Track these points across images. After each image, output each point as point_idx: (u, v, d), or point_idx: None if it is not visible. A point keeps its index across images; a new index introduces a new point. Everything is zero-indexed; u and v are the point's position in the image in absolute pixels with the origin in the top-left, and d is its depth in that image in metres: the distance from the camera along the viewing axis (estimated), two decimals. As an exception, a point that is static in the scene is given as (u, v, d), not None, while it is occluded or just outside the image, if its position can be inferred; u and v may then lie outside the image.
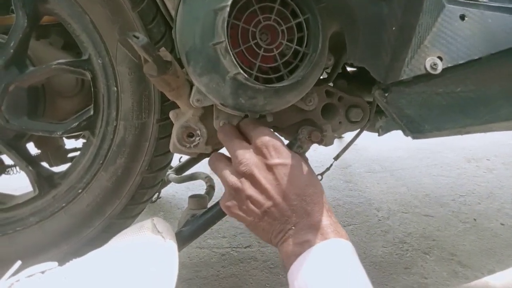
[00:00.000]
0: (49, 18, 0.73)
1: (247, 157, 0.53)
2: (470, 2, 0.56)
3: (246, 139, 0.58)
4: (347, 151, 0.80)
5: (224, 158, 0.59)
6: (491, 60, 0.57)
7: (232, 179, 0.54)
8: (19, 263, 0.59)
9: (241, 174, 0.53)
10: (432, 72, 0.55)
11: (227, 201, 0.56)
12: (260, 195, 0.52)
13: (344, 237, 0.50)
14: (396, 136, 0.77)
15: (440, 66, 0.55)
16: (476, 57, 0.56)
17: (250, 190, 0.53)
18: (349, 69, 0.82)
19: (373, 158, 1.96)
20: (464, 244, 1.16)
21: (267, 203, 0.51)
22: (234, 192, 0.54)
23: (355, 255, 0.49)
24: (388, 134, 0.82)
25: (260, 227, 0.53)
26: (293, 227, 0.50)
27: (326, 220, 0.50)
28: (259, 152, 0.54)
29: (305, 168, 0.54)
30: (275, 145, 0.53)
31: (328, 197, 1.50)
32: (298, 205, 0.51)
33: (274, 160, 0.52)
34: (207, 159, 0.71)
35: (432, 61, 0.55)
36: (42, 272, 0.57)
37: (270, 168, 0.52)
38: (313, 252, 0.48)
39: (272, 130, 0.57)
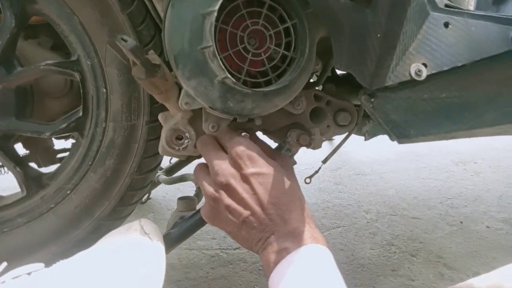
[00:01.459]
0: (37, 18, 0.73)
1: (223, 167, 0.54)
2: (454, 10, 0.58)
3: (224, 149, 0.58)
4: (337, 154, 0.81)
5: (205, 168, 0.59)
6: (475, 67, 0.59)
7: (210, 189, 0.55)
8: (4, 264, 0.59)
9: (218, 185, 0.54)
10: (417, 78, 0.56)
11: (206, 211, 0.58)
12: (238, 205, 0.53)
13: (321, 242, 0.51)
14: (385, 140, 0.78)
15: (424, 73, 0.56)
16: (460, 64, 0.58)
17: (227, 200, 0.53)
18: (339, 72, 0.83)
19: (362, 160, 1.97)
20: (450, 247, 1.18)
21: (245, 213, 0.52)
22: (212, 202, 0.55)
23: (331, 260, 0.50)
24: (377, 137, 0.83)
25: (240, 235, 0.54)
26: (271, 236, 0.51)
27: (303, 227, 0.51)
28: (234, 162, 0.54)
29: (281, 176, 0.54)
30: (249, 155, 0.54)
31: (318, 199, 1.51)
32: (275, 214, 0.51)
33: (249, 169, 0.53)
34: (197, 161, 0.72)
35: (416, 67, 0.56)
36: (29, 274, 0.57)
37: (246, 177, 0.53)
38: (290, 259, 0.48)
39: (248, 138, 0.58)
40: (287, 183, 0.54)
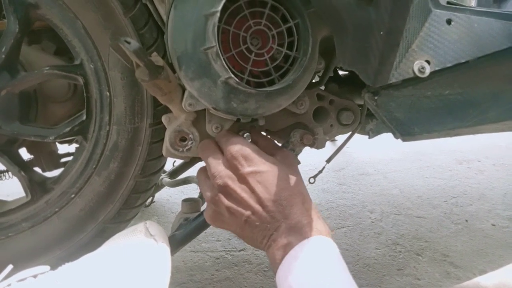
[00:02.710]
0: (41, 23, 0.73)
1: (219, 169, 0.54)
2: (457, 7, 0.58)
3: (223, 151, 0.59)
4: (340, 154, 0.81)
5: (205, 172, 0.60)
6: (478, 64, 0.58)
7: (210, 192, 0.56)
8: (10, 267, 0.59)
9: (216, 188, 0.54)
10: (420, 75, 0.56)
11: (209, 213, 0.58)
12: (238, 206, 0.53)
13: (325, 233, 0.51)
14: (388, 139, 0.78)
15: (428, 70, 0.56)
16: (463, 61, 0.58)
17: (227, 202, 0.54)
18: (341, 72, 0.83)
19: (365, 161, 1.97)
20: (456, 245, 1.17)
21: (246, 213, 0.52)
22: (213, 205, 0.56)
23: (335, 250, 0.50)
24: (381, 136, 0.83)
25: (245, 235, 0.55)
26: (274, 232, 0.51)
27: (305, 220, 0.51)
28: (230, 163, 0.54)
29: (280, 171, 0.54)
30: (245, 154, 0.54)
31: (322, 199, 1.50)
32: (276, 210, 0.51)
33: (246, 169, 0.53)
34: (200, 163, 0.72)
35: (420, 64, 0.56)
36: (34, 276, 0.57)
37: (243, 177, 0.53)
38: (294, 254, 0.48)
39: (244, 138, 0.58)
40: (286, 178, 0.54)
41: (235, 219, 0.54)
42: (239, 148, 0.54)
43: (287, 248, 0.49)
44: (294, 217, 0.51)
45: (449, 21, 0.56)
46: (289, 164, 0.58)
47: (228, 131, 0.62)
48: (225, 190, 0.54)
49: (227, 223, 0.56)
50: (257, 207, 0.52)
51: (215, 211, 0.56)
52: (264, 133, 0.72)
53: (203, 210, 0.71)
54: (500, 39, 0.57)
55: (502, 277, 1.01)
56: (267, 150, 0.58)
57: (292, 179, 0.54)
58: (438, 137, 0.66)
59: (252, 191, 0.52)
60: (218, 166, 0.55)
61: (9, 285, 0.54)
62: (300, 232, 0.50)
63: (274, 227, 0.51)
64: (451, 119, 0.61)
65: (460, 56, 0.57)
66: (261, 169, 0.53)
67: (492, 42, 0.57)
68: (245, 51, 0.54)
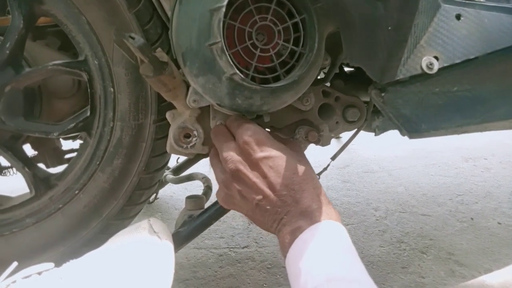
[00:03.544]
0: (45, 19, 0.73)
1: (231, 154, 0.55)
2: (466, 1, 0.56)
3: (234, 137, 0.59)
4: (344, 152, 0.80)
5: (217, 155, 0.60)
6: (488, 60, 0.57)
7: (221, 176, 0.57)
8: (15, 264, 0.59)
9: (228, 172, 0.55)
10: (428, 71, 0.55)
11: (221, 196, 0.59)
12: (249, 190, 0.53)
13: (334, 218, 0.51)
14: (394, 136, 0.77)
15: (436, 66, 0.55)
16: (473, 57, 0.57)
17: (238, 186, 0.54)
18: (346, 69, 0.82)
19: (370, 158, 1.96)
20: (461, 243, 1.16)
21: (257, 197, 0.53)
22: (225, 188, 0.57)
23: (345, 234, 0.50)
24: (386, 133, 0.82)
25: (256, 218, 0.55)
26: (284, 216, 0.51)
27: (315, 205, 0.51)
28: (243, 148, 0.55)
29: (291, 157, 0.54)
30: (258, 139, 0.54)
31: (326, 197, 1.50)
32: (287, 195, 0.51)
33: (258, 154, 0.53)
34: (204, 159, 0.71)
35: (428, 60, 0.55)
36: (39, 273, 0.57)
37: (255, 162, 0.53)
38: (303, 238, 0.49)
39: (256, 124, 0.57)
40: (297, 163, 0.54)
41: (246, 203, 0.55)
42: (252, 133, 0.54)
43: (297, 232, 0.49)
44: (305, 202, 0.51)
45: (458, 16, 0.55)
46: (298, 151, 0.58)
47: (238, 116, 0.62)
48: (237, 175, 0.54)
49: (239, 206, 0.57)
50: (268, 191, 0.52)
51: (227, 194, 0.57)
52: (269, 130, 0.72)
53: (207, 207, 0.71)
54: (511, 34, 0.56)
55: (508, 275, 1.00)
56: (276, 139, 0.58)
57: (303, 165, 0.54)
58: (446, 134, 0.65)
59: (264, 176, 0.53)
60: (230, 151, 0.55)
61: (14, 281, 0.54)
62: (310, 216, 0.50)
63: (284, 211, 0.51)
64: (459, 116, 0.60)
65: (469, 52, 0.56)
66: (273, 154, 0.53)
67: (502, 37, 0.56)
68: (250, 47, 0.53)
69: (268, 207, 0.52)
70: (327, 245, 0.48)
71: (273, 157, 0.53)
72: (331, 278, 0.44)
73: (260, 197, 0.52)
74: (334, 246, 0.48)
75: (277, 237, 0.53)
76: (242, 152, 0.55)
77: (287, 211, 0.51)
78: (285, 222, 0.51)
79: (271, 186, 0.52)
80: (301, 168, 0.54)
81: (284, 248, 0.50)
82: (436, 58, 0.55)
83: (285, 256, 0.50)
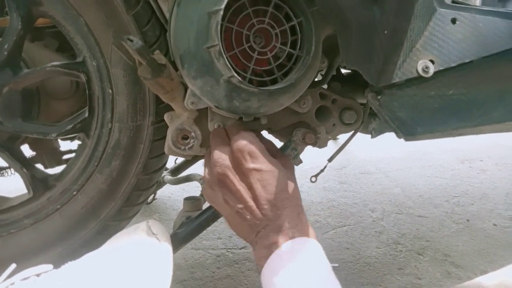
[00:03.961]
0: (43, 20, 0.73)
1: (222, 158, 0.55)
2: (462, 6, 0.57)
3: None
4: (342, 153, 0.81)
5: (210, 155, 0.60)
6: (483, 63, 0.58)
7: (209, 176, 0.58)
8: (13, 266, 0.59)
9: (215, 174, 0.55)
10: (424, 75, 0.55)
11: (206, 192, 0.60)
12: (232, 197, 0.54)
13: (311, 236, 0.52)
14: (391, 138, 0.78)
15: (432, 69, 0.56)
16: (468, 60, 0.57)
17: (221, 190, 0.55)
18: (343, 71, 0.83)
19: (367, 159, 1.97)
20: (457, 245, 1.17)
21: (239, 205, 0.53)
22: (209, 188, 0.58)
23: (320, 251, 0.51)
24: (383, 135, 0.83)
25: (234, 223, 0.56)
26: (262, 230, 0.52)
27: (294, 222, 0.52)
28: (235, 155, 0.55)
29: (281, 173, 0.54)
30: (251, 151, 0.54)
31: (323, 198, 1.50)
32: (269, 209, 0.52)
33: (249, 164, 0.54)
34: (202, 160, 0.72)
35: (424, 64, 0.55)
36: (37, 275, 0.57)
37: (244, 172, 0.54)
38: (279, 253, 0.49)
39: (255, 135, 0.58)
40: (284, 181, 0.54)
41: (227, 207, 0.55)
42: (247, 143, 0.55)
43: (273, 247, 0.50)
44: (284, 218, 0.52)
45: (454, 20, 0.56)
46: (289, 169, 0.59)
47: (240, 123, 0.62)
48: (223, 179, 0.55)
49: (220, 208, 0.58)
50: (251, 202, 0.53)
51: (212, 193, 0.58)
52: (266, 131, 0.72)
53: (205, 209, 0.71)
54: (506, 38, 0.56)
55: (503, 277, 1.01)
56: (270, 152, 0.58)
57: (291, 184, 0.55)
58: (441, 137, 0.66)
59: (250, 187, 0.53)
60: (221, 155, 0.56)
61: (12, 283, 0.55)
62: (287, 233, 0.50)
63: (263, 225, 0.52)
64: (454, 119, 0.61)
65: (465, 55, 0.56)
66: (263, 168, 0.54)
67: (497, 41, 0.57)
68: (248, 50, 0.54)
69: (248, 217, 0.53)
70: (302, 263, 0.48)
71: (263, 170, 0.53)
72: None
73: (241, 205, 0.53)
74: (309, 264, 0.49)
75: (252, 248, 0.54)
76: (233, 158, 0.55)
77: (265, 224, 0.52)
78: (262, 235, 0.52)
79: (255, 198, 0.53)
80: (288, 186, 0.54)
81: (259, 261, 0.51)
82: (432, 61, 0.56)
83: (260, 269, 0.51)
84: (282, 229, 0.51)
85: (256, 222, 0.52)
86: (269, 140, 0.64)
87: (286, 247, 0.49)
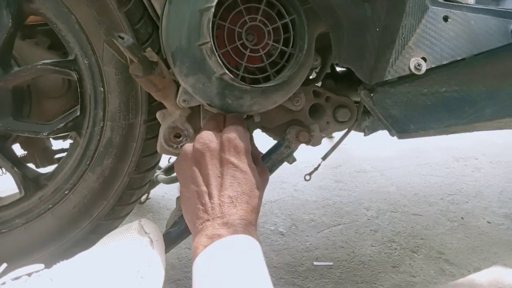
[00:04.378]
0: (35, 17, 0.72)
1: (208, 139, 0.55)
2: (454, 4, 0.57)
3: None
4: (337, 152, 0.81)
5: None
6: (475, 61, 0.58)
7: (186, 148, 0.56)
8: (4, 265, 0.58)
9: (194, 149, 0.55)
10: (416, 72, 0.55)
11: (177, 161, 0.58)
12: (198, 177, 0.54)
13: (255, 238, 0.51)
14: (386, 136, 0.78)
15: (424, 67, 0.56)
16: (460, 58, 0.57)
17: (193, 166, 0.54)
18: (338, 69, 0.83)
19: (363, 157, 1.97)
20: (451, 243, 1.18)
21: (202, 188, 0.53)
22: (182, 159, 0.56)
23: (259, 252, 0.50)
24: (378, 133, 0.83)
25: (186, 204, 0.55)
26: (211, 219, 0.51)
27: (243, 223, 0.51)
28: (221, 142, 0.54)
29: (252, 179, 0.54)
30: (238, 146, 0.54)
31: (318, 197, 1.50)
32: (227, 204, 0.52)
33: (230, 157, 0.53)
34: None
35: (416, 61, 0.55)
36: (29, 275, 0.57)
37: (223, 161, 0.53)
38: (217, 245, 0.49)
39: (249, 135, 0.57)
40: (252, 188, 0.54)
41: (188, 185, 0.55)
42: (238, 136, 0.54)
43: (215, 238, 0.49)
44: (235, 217, 0.51)
45: (446, 18, 0.56)
46: (263, 179, 0.58)
47: (241, 117, 0.61)
48: (199, 157, 0.54)
49: (182, 182, 0.57)
50: (215, 191, 0.52)
51: (183, 165, 0.57)
52: (259, 129, 0.72)
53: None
54: (497, 36, 0.56)
55: (496, 274, 1.01)
56: (252, 157, 0.58)
57: (256, 193, 0.55)
58: (434, 134, 0.66)
59: (220, 176, 0.53)
60: (209, 135, 0.55)
61: (3, 283, 0.54)
62: (233, 229, 0.50)
63: (214, 216, 0.51)
64: (447, 116, 0.61)
65: (457, 53, 0.57)
66: (240, 166, 0.53)
67: (489, 39, 0.57)
68: (240, 47, 0.54)
69: (203, 201, 0.52)
70: (238, 256, 0.48)
71: (239, 168, 0.53)
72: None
73: (204, 189, 0.53)
74: (245, 258, 0.48)
75: (193, 236, 0.53)
76: (218, 143, 0.55)
77: (216, 216, 0.51)
78: (208, 224, 0.51)
79: (219, 188, 0.52)
80: (253, 193, 0.54)
81: (196, 249, 0.50)
82: (424, 59, 0.56)
83: (194, 257, 0.50)
84: (230, 226, 0.50)
85: (209, 210, 0.52)
86: (256, 147, 0.64)
87: (228, 239, 0.49)
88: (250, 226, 0.52)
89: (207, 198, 0.52)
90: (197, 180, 0.54)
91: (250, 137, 0.64)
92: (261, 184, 0.57)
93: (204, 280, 0.47)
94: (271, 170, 0.68)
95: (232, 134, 0.54)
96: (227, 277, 0.46)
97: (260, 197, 0.56)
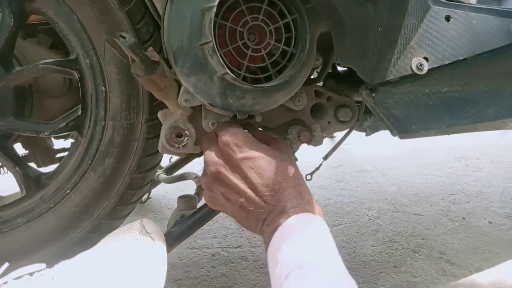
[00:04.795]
0: (36, 17, 0.72)
1: (212, 156, 0.55)
2: (455, 3, 0.57)
3: None
4: (338, 151, 0.81)
5: None
6: (477, 61, 0.58)
7: (204, 179, 0.57)
8: (6, 265, 0.58)
9: (210, 174, 0.56)
10: (418, 72, 0.55)
11: (207, 197, 0.60)
12: (231, 192, 0.54)
13: (315, 212, 0.52)
14: (387, 136, 0.78)
15: (426, 67, 0.55)
16: (462, 58, 0.57)
17: (220, 188, 0.55)
18: (339, 68, 0.82)
19: (364, 157, 1.97)
20: (453, 243, 1.18)
21: (240, 199, 0.53)
22: (208, 190, 0.57)
23: (322, 226, 0.51)
24: (379, 133, 0.83)
25: (241, 219, 0.55)
26: (267, 217, 0.52)
27: (296, 202, 0.51)
28: (223, 150, 0.55)
29: (273, 156, 0.54)
30: (236, 142, 0.54)
31: (319, 196, 1.50)
32: (269, 195, 0.52)
33: (238, 155, 0.53)
34: (197, 159, 0.71)
35: (418, 61, 0.55)
36: (31, 274, 0.57)
37: (236, 163, 0.53)
38: (281, 230, 0.49)
39: (239, 126, 0.58)
40: (278, 163, 0.54)
41: (230, 205, 0.55)
42: (230, 135, 0.55)
43: (277, 228, 0.50)
44: (286, 200, 0.51)
45: (447, 18, 0.56)
46: (282, 150, 0.58)
47: (227, 122, 0.62)
48: (218, 177, 0.55)
49: (224, 207, 0.58)
50: (250, 192, 0.52)
51: (212, 196, 0.58)
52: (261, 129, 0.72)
53: (200, 207, 0.71)
54: (499, 36, 0.56)
55: (498, 274, 1.01)
56: (262, 141, 0.58)
57: (285, 163, 0.54)
58: (436, 134, 0.66)
59: (245, 177, 0.53)
60: (210, 153, 0.56)
61: (5, 282, 0.54)
62: (290, 213, 0.50)
63: (267, 212, 0.52)
64: (449, 116, 0.61)
65: (459, 53, 0.56)
66: (253, 155, 0.53)
67: (490, 39, 0.57)
68: (242, 47, 0.54)
69: (251, 208, 0.52)
70: (303, 235, 0.48)
71: (253, 157, 0.53)
72: (302, 264, 0.45)
73: (242, 199, 0.53)
74: (310, 236, 0.49)
75: (262, 237, 0.53)
76: (222, 154, 0.55)
77: (269, 210, 0.51)
78: (268, 222, 0.51)
79: (252, 187, 0.52)
80: (282, 167, 0.54)
81: (267, 246, 0.51)
82: (426, 59, 0.55)
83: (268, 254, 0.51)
84: (285, 210, 0.50)
85: (260, 210, 0.52)
86: (262, 130, 0.64)
87: (289, 222, 0.49)
88: (303, 200, 0.52)
89: (250, 204, 0.53)
90: (232, 196, 0.54)
91: (250, 126, 0.64)
92: (284, 154, 0.57)
93: (275, 267, 0.47)
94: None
95: (225, 138, 0.55)
96: (292, 256, 0.46)
97: (292, 164, 0.56)
